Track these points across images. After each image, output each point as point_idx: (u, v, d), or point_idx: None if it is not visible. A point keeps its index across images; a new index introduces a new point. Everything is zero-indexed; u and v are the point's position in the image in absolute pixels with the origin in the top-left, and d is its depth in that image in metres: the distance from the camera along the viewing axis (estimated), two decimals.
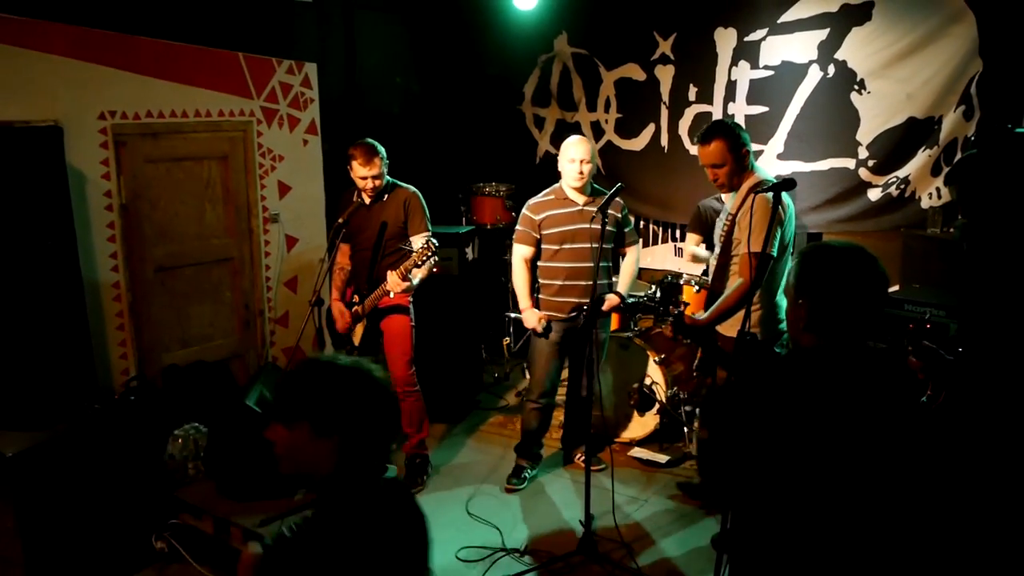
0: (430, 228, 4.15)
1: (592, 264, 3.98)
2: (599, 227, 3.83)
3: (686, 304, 4.26)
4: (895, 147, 5.00)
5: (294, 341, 4.62)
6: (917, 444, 1.70)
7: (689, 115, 5.63)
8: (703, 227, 4.78)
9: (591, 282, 4.00)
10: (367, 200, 4.14)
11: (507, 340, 5.80)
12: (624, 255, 4.25)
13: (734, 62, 5.41)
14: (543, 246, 4.13)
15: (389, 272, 3.95)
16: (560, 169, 4.06)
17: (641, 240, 6.21)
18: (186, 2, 4.47)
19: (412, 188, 4.21)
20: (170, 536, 3.61)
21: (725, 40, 5.42)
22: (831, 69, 5.08)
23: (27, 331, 3.65)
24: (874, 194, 5.15)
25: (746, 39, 5.34)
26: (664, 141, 5.81)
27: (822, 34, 5.06)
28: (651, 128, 5.87)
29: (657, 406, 4.55)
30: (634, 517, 3.97)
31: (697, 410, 4.46)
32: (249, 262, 5.01)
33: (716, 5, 5.42)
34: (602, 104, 6.07)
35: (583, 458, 4.03)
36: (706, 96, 5.58)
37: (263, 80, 4.89)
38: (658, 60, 5.72)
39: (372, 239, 4.13)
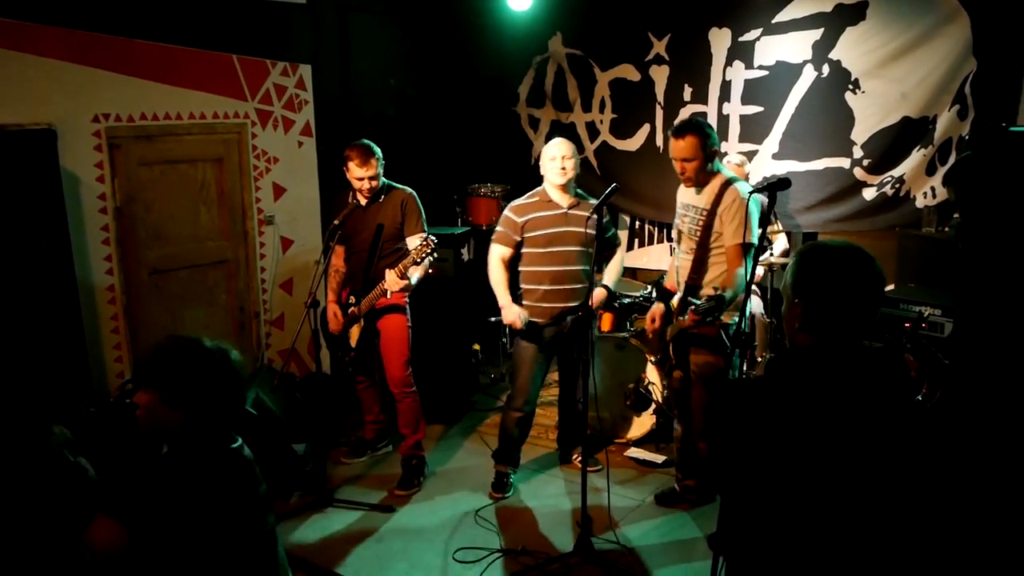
0: (426, 229, 4.13)
1: (578, 267, 3.97)
2: (582, 230, 3.84)
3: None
4: (890, 147, 5.02)
5: (290, 343, 4.62)
6: (913, 444, 1.70)
7: (684, 115, 5.62)
8: None
9: (576, 286, 3.99)
10: (363, 201, 4.13)
11: (497, 341, 5.79)
12: (607, 259, 4.21)
13: (729, 62, 5.43)
14: (526, 249, 4.06)
15: (387, 270, 3.94)
16: (543, 172, 3.99)
17: (637, 240, 6.26)
18: (180, 5, 4.46)
19: (408, 189, 4.20)
20: None
21: (719, 40, 5.44)
22: (826, 69, 5.10)
23: (21, 334, 3.63)
24: (869, 194, 5.16)
25: (740, 39, 5.35)
26: (659, 141, 5.82)
27: (816, 34, 5.08)
28: (646, 128, 5.88)
29: (653, 406, 4.55)
30: (631, 517, 3.98)
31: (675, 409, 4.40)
32: (244, 264, 4.99)
33: (710, 5, 5.43)
34: (597, 105, 6.08)
35: (580, 459, 4.02)
36: (701, 96, 5.60)
37: (257, 82, 4.88)
38: (653, 60, 5.73)
39: (368, 241, 4.12)
